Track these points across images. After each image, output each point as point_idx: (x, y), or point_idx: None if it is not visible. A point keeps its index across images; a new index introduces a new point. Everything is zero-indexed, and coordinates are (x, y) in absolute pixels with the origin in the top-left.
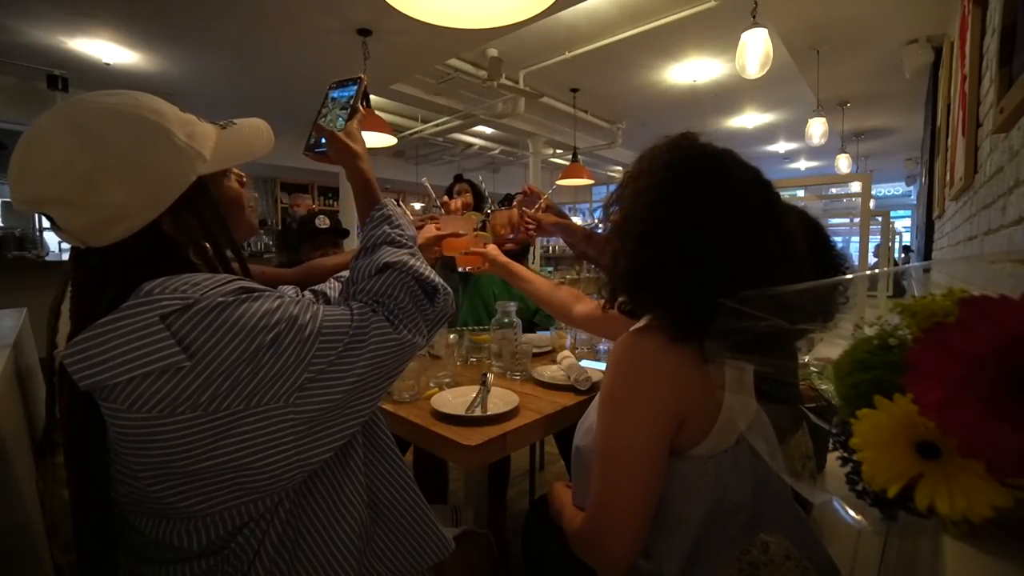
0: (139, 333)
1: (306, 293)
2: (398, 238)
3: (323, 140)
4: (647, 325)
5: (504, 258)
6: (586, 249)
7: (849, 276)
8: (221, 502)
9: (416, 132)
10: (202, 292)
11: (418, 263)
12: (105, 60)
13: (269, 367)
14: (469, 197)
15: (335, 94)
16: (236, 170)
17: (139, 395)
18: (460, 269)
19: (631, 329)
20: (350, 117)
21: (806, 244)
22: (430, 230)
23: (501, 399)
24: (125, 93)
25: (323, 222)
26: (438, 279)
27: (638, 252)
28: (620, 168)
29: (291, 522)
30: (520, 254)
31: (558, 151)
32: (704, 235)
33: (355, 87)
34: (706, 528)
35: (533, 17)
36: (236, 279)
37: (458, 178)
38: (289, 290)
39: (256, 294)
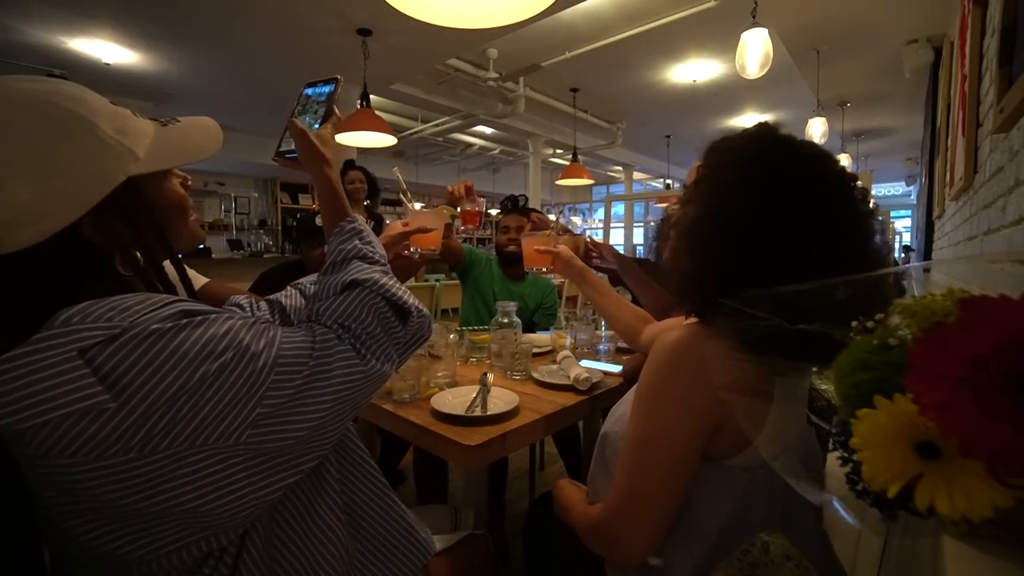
0: (53, 371)
1: (262, 304)
2: (369, 254)
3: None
4: (703, 323)
5: (580, 262)
6: (637, 273)
7: (848, 277)
8: (167, 544)
9: (416, 132)
10: (132, 319)
11: (390, 282)
12: (105, 60)
13: (215, 403)
14: (465, 190)
15: (309, 92)
16: (180, 172)
17: (56, 440)
18: (528, 269)
19: (683, 324)
20: (324, 120)
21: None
22: (395, 227)
23: (501, 399)
24: (44, 79)
25: (322, 220)
26: (412, 300)
27: (721, 250)
28: (620, 168)
29: (267, 553)
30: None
31: (558, 151)
32: (796, 236)
33: (331, 88)
34: (724, 540)
35: (533, 17)
36: (175, 301)
37: (349, 164)
38: (242, 299)
39: (200, 318)
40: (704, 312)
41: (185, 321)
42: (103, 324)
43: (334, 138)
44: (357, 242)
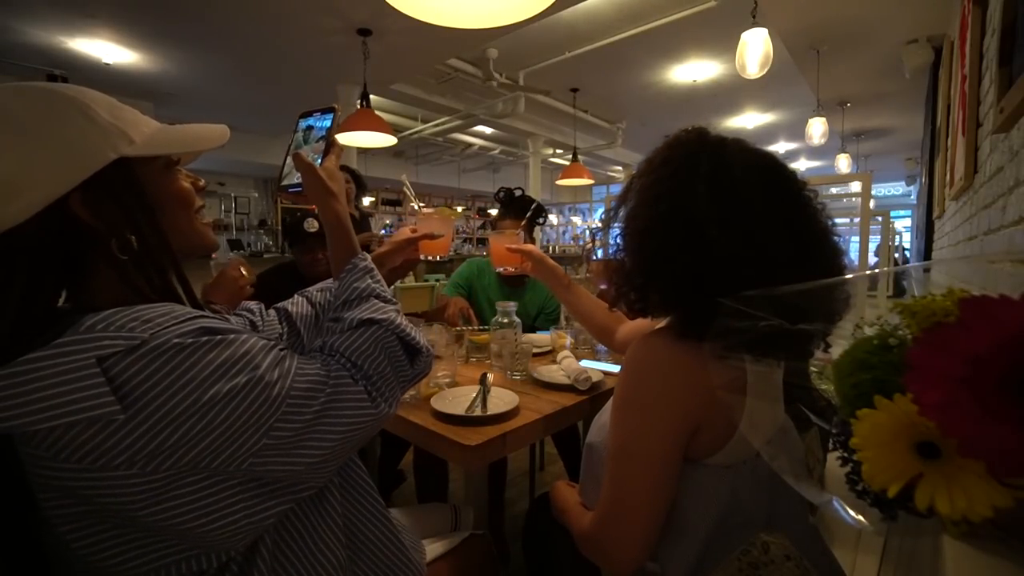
0: (69, 376)
1: (270, 312)
2: (383, 292)
3: (297, 178)
4: (663, 327)
5: (552, 262)
6: None
7: (849, 276)
8: (161, 556)
9: (416, 132)
10: (153, 331)
11: (404, 321)
12: (105, 60)
13: (224, 428)
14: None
15: (306, 124)
16: (189, 173)
17: (64, 445)
18: (498, 270)
19: (650, 331)
20: (326, 153)
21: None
22: (403, 232)
23: (501, 399)
24: (52, 84)
25: (311, 225)
26: (423, 339)
27: (641, 249)
28: (620, 168)
29: (272, 574)
30: None
31: (558, 151)
32: (698, 225)
33: (329, 119)
34: (714, 538)
35: (533, 17)
36: (198, 316)
37: None
38: (252, 304)
39: (219, 337)
40: (650, 306)
41: (205, 339)
42: (124, 334)
43: (338, 171)
44: (370, 281)
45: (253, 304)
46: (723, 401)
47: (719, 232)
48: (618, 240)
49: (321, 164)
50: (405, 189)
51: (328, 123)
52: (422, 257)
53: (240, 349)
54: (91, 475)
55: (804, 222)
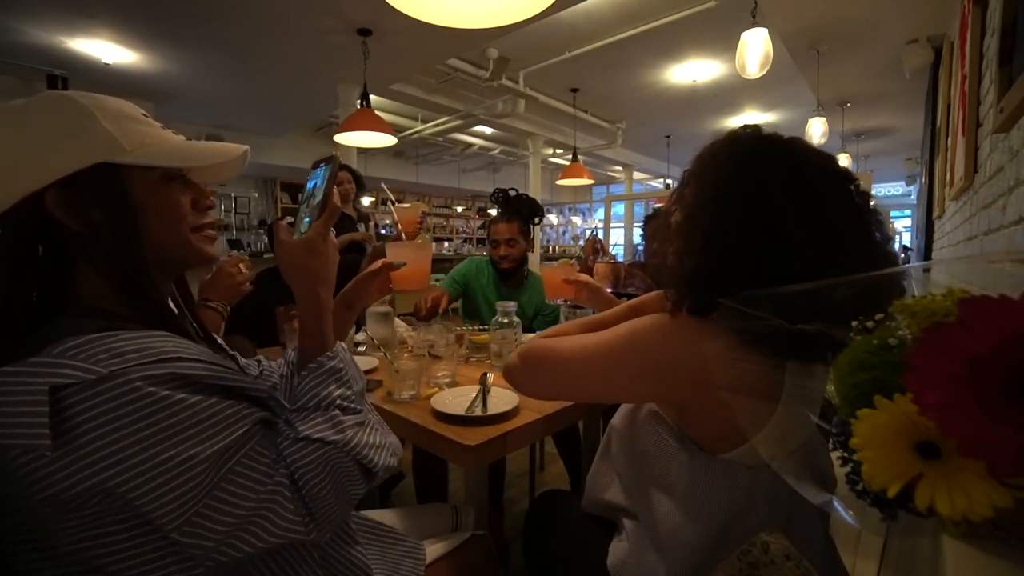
0: (21, 399)
1: (272, 364)
2: (343, 400)
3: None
4: (703, 322)
5: (607, 293)
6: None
7: (853, 276)
8: None
9: (416, 132)
10: (118, 367)
11: (364, 438)
12: (105, 60)
13: (146, 500)
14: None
15: (315, 173)
16: (198, 185)
17: (9, 461)
18: (551, 300)
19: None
20: (320, 213)
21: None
22: (374, 265)
23: (501, 399)
24: (74, 93)
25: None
26: (381, 460)
27: (706, 248)
28: (620, 168)
29: None
30: (521, 263)
31: (558, 151)
32: (779, 227)
33: (325, 171)
34: (723, 536)
35: (533, 17)
36: (176, 359)
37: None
38: (260, 358)
39: (179, 397)
40: (699, 311)
41: (164, 394)
42: (86, 366)
43: (330, 238)
44: (334, 387)
45: (262, 358)
46: (746, 404)
47: (805, 235)
48: (675, 241)
49: (306, 230)
50: (381, 194)
51: (323, 177)
52: (397, 290)
53: (195, 418)
54: (28, 498)
55: (866, 233)
